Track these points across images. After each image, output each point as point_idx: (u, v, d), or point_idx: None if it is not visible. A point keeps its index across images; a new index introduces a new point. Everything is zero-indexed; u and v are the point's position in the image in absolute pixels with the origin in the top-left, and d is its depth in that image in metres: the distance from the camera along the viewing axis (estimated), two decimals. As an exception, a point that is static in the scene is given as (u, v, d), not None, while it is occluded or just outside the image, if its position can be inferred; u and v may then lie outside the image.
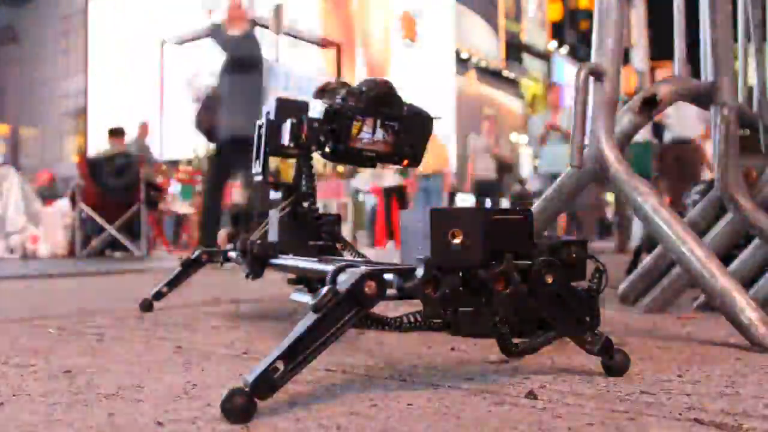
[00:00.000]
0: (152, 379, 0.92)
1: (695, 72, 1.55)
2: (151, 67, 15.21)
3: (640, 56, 18.81)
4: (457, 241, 0.80)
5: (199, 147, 9.96)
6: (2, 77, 19.04)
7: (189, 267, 1.74)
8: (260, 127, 1.45)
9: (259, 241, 1.40)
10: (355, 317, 0.75)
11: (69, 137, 18.74)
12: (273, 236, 1.45)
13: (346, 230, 7.79)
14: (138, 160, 6.47)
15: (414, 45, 18.68)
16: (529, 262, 0.84)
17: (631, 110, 1.45)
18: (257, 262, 1.38)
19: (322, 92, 1.32)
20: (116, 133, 6.79)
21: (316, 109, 1.32)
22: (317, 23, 16.29)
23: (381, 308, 0.88)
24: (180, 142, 12.25)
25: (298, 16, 14.47)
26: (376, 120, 1.27)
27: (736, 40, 1.61)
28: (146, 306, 1.70)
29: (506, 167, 8.31)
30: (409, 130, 1.30)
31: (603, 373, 0.92)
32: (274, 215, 1.45)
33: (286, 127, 1.33)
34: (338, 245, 1.40)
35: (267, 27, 10.15)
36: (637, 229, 5.77)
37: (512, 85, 23.61)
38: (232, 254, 1.54)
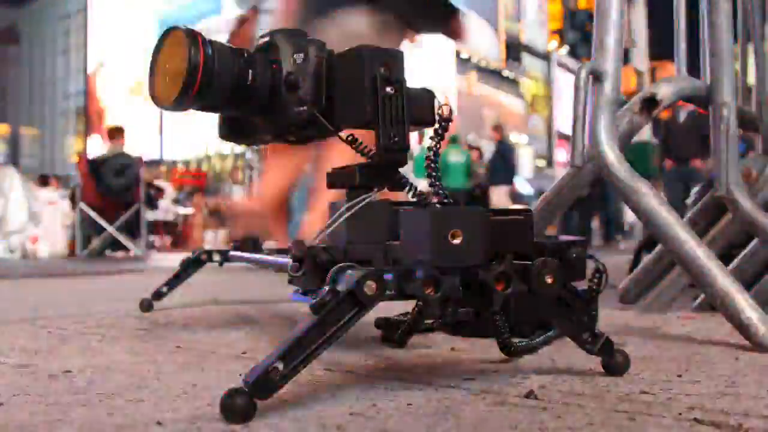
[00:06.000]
0: (152, 379, 0.92)
1: (695, 72, 1.55)
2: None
3: (640, 56, 18.77)
4: (457, 241, 0.80)
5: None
6: (2, 77, 19.01)
7: (189, 267, 1.73)
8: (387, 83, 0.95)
9: (323, 246, 0.96)
10: (355, 318, 0.75)
11: (69, 137, 18.72)
12: (339, 237, 1.00)
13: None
14: (138, 160, 6.47)
15: (414, 45, 18.65)
16: (530, 262, 0.83)
17: (631, 110, 1.45)
18: (321, 273, 0.90)
19: None
20: (116, 133, 6.78)
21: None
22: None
23: (382, 308, 0.88)
24: (179, 142, 12.22)
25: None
26: None
27: (736, 39, 1.61)
28: (146, 306, 1.70)
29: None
30: None
31: (603, 373, 0.92)
32: (343, 209, 0.98)
33: (425, 95, 1.05)
34: None
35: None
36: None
37: (512, 85, 23.59)
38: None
